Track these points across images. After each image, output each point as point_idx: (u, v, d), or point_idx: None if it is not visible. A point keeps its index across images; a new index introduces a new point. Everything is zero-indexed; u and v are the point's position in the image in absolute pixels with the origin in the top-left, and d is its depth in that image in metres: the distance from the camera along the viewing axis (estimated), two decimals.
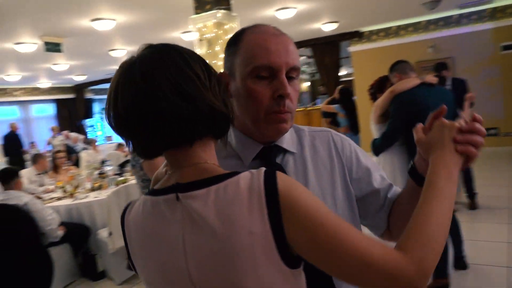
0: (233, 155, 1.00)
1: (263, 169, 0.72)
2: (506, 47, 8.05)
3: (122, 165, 5.80)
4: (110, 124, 0.78)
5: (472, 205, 4.81)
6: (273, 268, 0.68)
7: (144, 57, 0.76)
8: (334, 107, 5.48)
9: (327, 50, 9.78)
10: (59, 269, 3.78)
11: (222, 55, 5.13)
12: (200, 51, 5.14)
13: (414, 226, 0.69)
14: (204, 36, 5.13)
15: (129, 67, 0.76)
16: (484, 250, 3.75)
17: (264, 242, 0.67)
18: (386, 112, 2.93)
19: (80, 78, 12.39)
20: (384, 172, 1.10)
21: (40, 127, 13.66)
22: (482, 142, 0.81)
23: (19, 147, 10.59)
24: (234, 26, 5.17)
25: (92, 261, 4.10)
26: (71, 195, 4.67)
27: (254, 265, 0.67)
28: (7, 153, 10.46)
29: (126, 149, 5.73)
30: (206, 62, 0.81)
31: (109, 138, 12.97)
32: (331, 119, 5.70)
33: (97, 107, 15.65)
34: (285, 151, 1.01)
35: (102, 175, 5.24)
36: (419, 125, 0.90)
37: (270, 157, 0.98)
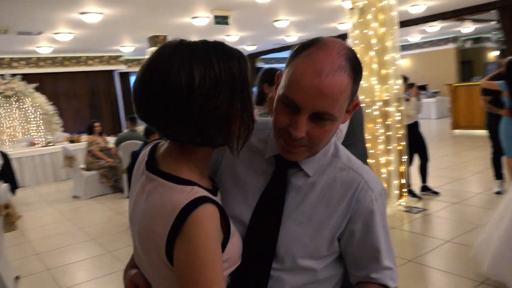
0: (264, 143, 1.01)
1: (197, 195, 0.80)
2: None
3: None
4: None
5: None
6: (162, 263, 0.83)
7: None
8: (497, 84, 4.47)
9: None
10: None
11: (374, 24, 4.82)
12: (351, 20, 4.90)
13: None
14: (356, 4, 4.85)
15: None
16: None
17: (160, 242, 0.81)
18: None
19: (251, 48, 13.24)
20: None
21: None
22: None
23: None
24: None
25: None
26: None
27: (156, 252, 0.83)
28: None
29: None
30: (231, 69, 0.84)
31: None
32: (492, 98, 4.74)
33: None
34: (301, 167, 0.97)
35: None
36: None
37: (282, 165, 0.97)
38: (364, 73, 5.40)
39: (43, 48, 9.64)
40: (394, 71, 4.76)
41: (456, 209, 4.72)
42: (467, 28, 13.32)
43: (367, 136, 4.86)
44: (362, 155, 2.53)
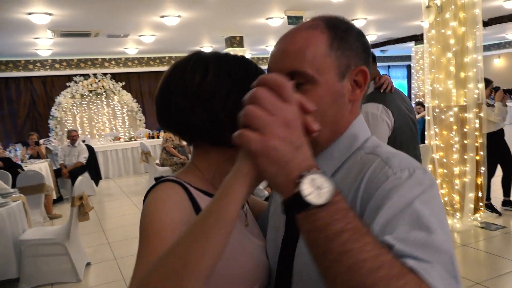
0: None
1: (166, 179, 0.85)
2: None
3: None
4: None
5: None
6: None
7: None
8: None
9: None
10: None
11: (453, 24, 4.54)
12: (426, 19, 4.58)
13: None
14: (433, 1, 4.52)
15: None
16: None
17: None
18: None
19: None
20: None
21: None
22: None
23: None
24: None
25: None
26: None
27: None
28: None
29: None
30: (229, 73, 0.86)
31: None
32: None
33: None
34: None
35: None
36: None
37: (289, 213, 0.90)
38: (440, 76, 5.08)
39: (130, 49, 10.35)
40: (475, 73, 4.37)
41: None
42: None
43: (440, 144, 4.52)
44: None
